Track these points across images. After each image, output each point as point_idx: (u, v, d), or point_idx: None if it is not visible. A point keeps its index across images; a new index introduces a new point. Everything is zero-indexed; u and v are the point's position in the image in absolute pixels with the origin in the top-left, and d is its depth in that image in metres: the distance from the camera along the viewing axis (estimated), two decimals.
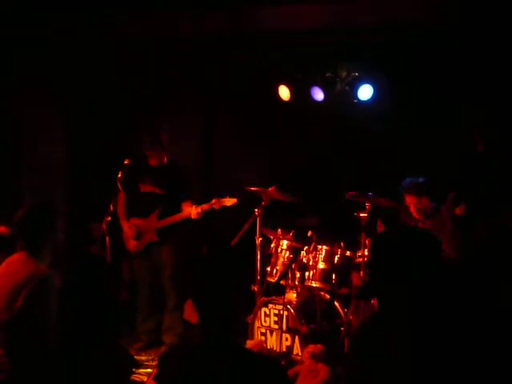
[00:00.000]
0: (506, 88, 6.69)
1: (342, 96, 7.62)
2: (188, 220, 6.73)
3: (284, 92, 7.78)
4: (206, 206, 6.59)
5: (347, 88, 7.57)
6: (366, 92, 7.43)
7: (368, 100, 7.44)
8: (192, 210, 6.61)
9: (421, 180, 6.33)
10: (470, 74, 6.87)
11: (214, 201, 6.57)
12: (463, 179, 6.46)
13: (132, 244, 6.88)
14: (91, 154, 8.05)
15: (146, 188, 6.84)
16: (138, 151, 6.84)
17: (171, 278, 6.85)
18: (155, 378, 3.15)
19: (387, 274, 2.69)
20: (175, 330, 6.86)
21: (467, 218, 5.59)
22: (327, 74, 7.64)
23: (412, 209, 6.32)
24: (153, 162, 6.86)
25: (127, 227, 6.87)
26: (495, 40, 6.68)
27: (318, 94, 7.66)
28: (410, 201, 6.31)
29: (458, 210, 6.06)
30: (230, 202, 6.54)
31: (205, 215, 6.66)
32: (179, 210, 6.77)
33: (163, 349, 6.63)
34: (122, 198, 6.83)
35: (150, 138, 6.80)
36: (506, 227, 5.51)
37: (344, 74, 7.60)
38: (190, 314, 7.22)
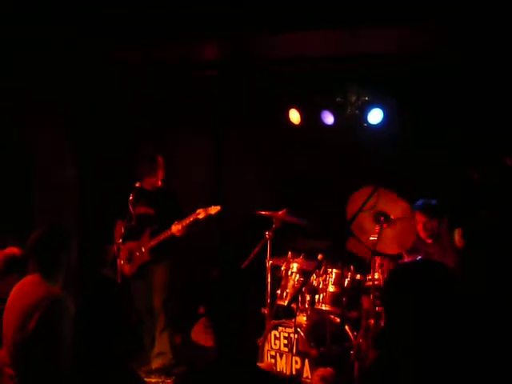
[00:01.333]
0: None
1: (352, 120, 7.66)
2: (178, 239, 6.77)
3: (295, 116, 7.83)
4: (187, 220, 6.63)
5: (357, 112, 7.61)
6: (375, 116, 7.47)
7: (378, 124, 7.48)
8: (173, 227, 6.66)
9: (434, 202, 6.44)
10: (474, 102, 6.91)
11: (198, 211, 6.61)
12: (463, 205, 6.54)
13: (126, 267, 6.92)
14: (104, 176, 8.10)
15: (139, 210, 6.84)
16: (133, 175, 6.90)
17: (162, 298, 6.89)
18: None
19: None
20: (165, 355, 6.87)
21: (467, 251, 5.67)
22: (337, 99, 7.69)
23: (420, 227, 6.39)
24: (147, 185, 6.92)
25: (122, 251, 6.86)
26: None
27: (329, 118, 7.71)
28: (420, 219, 6.39)
29: (458, 241, 6.16)
30: (214, 210, 6.58)
31: (191, 229, 6.69)
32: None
33: (173, 371, 6.66)
34: (119, 222, 6.82)
35: (146, 162, 6.87)
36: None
37: (354, 98, 7.64)
38: (199, 335, 7.24)
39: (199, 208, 6.62)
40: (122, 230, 6.33)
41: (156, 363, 6.91)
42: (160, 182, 7.01)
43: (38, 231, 4.26)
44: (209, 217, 6.61)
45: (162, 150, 7.17)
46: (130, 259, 6.91)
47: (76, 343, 3.61)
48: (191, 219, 6.63)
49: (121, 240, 6.26)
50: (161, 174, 7.00)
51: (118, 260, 6.18)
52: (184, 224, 6.64)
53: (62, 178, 8.14)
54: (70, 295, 4.04)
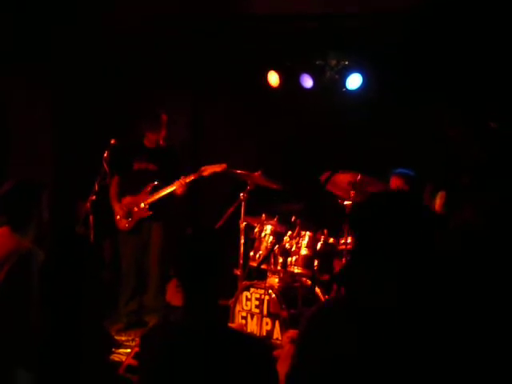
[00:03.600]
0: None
1: (331, 84, 7.63)
2: (176, 197, 6.75)
3: (273, 78, 7.79)
4: (191, 177, 6.64)
5: (336, 76, 7.58)
6: (355, 81, 7.45)
7: (357, 89, 7.46)
8: (176, 183, 6.65)
9: (413, 173, 6.44)
10: (454, 64, 6.90)
11: (203, 168, 6.62)
12: (445, 171, 6.56)
13: (123, 223, 6.88)
14: (79, 133, 8.02)
15: (141, 165, 6.86)
16: (133, 131, 6.86)
17: (158, 256, 6.87)
18: (135, 357, 3.16)
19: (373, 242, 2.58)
20: (159, 311, 6.88)
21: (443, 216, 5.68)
22: (317, 62, 7.65)
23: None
24: (149, 142, 6.89)
25: (118, 207, 6.88)
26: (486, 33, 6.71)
27: (307, 82, 7.67)
28: (396, 183, 6.39)
29: (438, 205, 6.18)
30: (219, 167, 6.60)
31: (191, 188, 6.74)
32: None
33: (144, 329, 6.65)
34: (115, 179, 6.86)
35: (150, 118, 6.84)
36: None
37: (334, 62, 7.61)
38: (173, 295, 7.25)
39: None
40: (96, 187, 6.29)
41: (150, 318, 6.91)
42: (162, 141, 6.97)
43: (8, 184, 4.20)
44: (213, 174, 6.61)
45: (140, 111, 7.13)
46: (128, 215, 6.87)
47: (45, 298, 3.60)
48: (195, 176, 6.63)
49: (94, 197, 6.21)
50: (164, 132, 6.97)
51: (91, 216, 6.15)
52: (188, 180, 6.64)
53: (37, 135, 8.03)
54: (39, 249, 4.00)
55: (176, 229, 6.92)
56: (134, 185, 6.88)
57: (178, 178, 6.72)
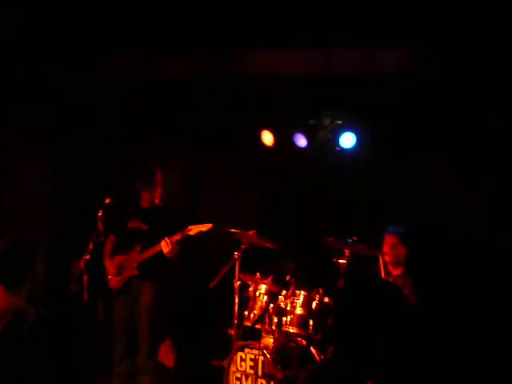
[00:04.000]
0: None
1: (324, 143, 7.68)
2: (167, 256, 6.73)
3: (267, 138, 7.83)
4: (177, 236, 6.59)
5: (330, 136, 7.64)
6: (348, 140, 7.50)
7: (350, 148, 7.51)
8: (162, 243, 6.60)
9: (406, 230, 6.46)
10: (449, 125, 6.97)
11: (189, 227, 6.58)
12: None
13: (114, 281, 6.85)
14: (74, 191, 8.05)
15: (133, 225, 6.86)
16: (127, 191, 6.87)
17: (148, 316, 6.80)
18: None
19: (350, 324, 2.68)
20: (151, 372, 6.79)
21: None
22: (310, 121, 7.72)
23: (388, 250, 6.40)
24: (144, 202, 6.91)
25: (109, 265, 6.86)
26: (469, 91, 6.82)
27: (301, 141, 7.72)
28: (389, 241, 6.42)
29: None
30: (205, 227, 6.53)
31: (184, 246, 6.70)
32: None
33: None
34: (110, 238, 6.88)
35: (143, 177, 6.86)
36: None
37: (327, 121, 7.67)
38: (164, 356, 7.16)
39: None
40: (91, 246, 6.28)
41: (143, 380, 6.79)
42: (157, 199, 6.97)
43: (2, 243, 4.19)
44: (200, 233, 6.56)
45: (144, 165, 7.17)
46: (119, 272, 6.84)
47: (38, 357, 3.57)
48: (181, 235, 6.58)
49: (88, 256, 6.19)
50: (159, 190, 6.96)
51: (85, 276, 6.11)
52: (173, 240, 6.57)
53: (32, 194, 8.05)
54: (32, 309, 3.97)
55: (168, 288, 6.88)
56: (125, 244, 6.86)
57: (167, 236, 6.68)
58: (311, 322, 6.08)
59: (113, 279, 6.85)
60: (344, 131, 7.51)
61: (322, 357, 6.07)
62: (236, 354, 6.18)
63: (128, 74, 7.61)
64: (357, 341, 2.64)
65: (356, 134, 7.46)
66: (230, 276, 6.46)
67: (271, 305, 6.19)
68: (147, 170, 6.98)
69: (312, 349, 6.16)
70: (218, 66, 7.44)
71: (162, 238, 6.64)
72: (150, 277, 6.85)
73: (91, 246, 6.26)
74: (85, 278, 6.11)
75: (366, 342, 2.64)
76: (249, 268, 6.57)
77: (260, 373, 5.97)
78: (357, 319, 2.66)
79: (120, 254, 6.87)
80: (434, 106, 6.95)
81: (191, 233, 6.59)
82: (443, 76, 6.88)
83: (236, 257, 6.45)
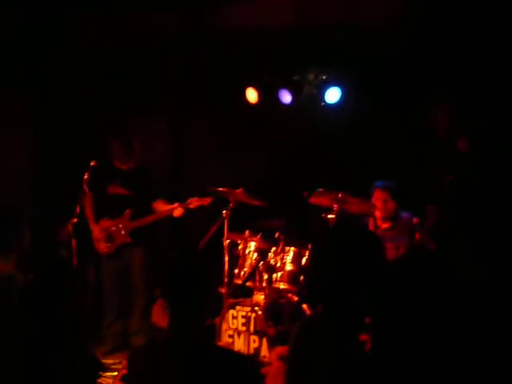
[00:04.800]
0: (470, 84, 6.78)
1: (309, 99, 7.65)
2: (159, 221, 6.76)
3: (252, 95, 7.78)
4: (181, 209, 6.69)
5: (315, 91, 7.60)
6: (333, 95, 7.46)
7: (336, 103, 7.47)
8: (177, 210, 6.69)
9: (393, 183, 6.47)
10: (436, 74, 6.93)
11: (189, 200, 6.66)
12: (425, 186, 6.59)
13: (103, 246, 6.83)
14: (58, 155, 7.99)
15: (114, 190, 6.83)
16: (104, 154, 6.81)
17: (141, 280, 6.83)
18: (122, 380, 3.12)
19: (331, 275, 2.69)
20: (145, 333, 6.82)
21: None
22: (295, 77, 7.67)
23: (379, 204, 6.40)
24: (120, 165, 6.86)
25: (97, 230, 6.81)
26: (458, 36, 6.77)
27: (286, 97, 7.68)
28: (380, 197, 6.42)
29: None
30: (206, 201, 6.63)
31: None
32: (150, 211, 6.80)
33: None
34: (89, 200, 6.79)
35: (122, 145, 6.80)
36: None
37: (312, 77, 7.63)
38: (158, 317, 7.18)
39: None
40: (78, 209, 6.26)
41: (137, 340, 6.83)
42: (134, 164, 6.93)
43: None
44: (199, 207, 6.67)
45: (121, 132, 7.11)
46: (108, 239, 6.81)
47: (26, 323, 3.56)
48: (183, 209, 6.69)
49: (76, 219, 6.17)
50: (136, 156, 6.93)
51: (73, 240, 6.09)
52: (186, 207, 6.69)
53: (16, 158, 7.99)
54: (21, 274, 3.96)
55: (159, 250, 6.89)
56: (110, 209, 6.83)
57: (152, 201, 6.83)
58: (302, 278, 6.10)
59: (102, 244, 6.83)
60: (329, 86, 7.47)
61: (313, 312, 6.10)
62: (227, 311, 6.21)
63: (106, 35, 7.50)
64: (340, 292, 2.65)
65: (341, 88, 7.43)
66: (219, 235, 6.46)
67: (261, 262, 6.21)
68: (125, 138, 6.90)
69: (303, 304, 6.19)
70: (200, 23, 7.34)
71: (147, 202, 6.79)
72: (141, 242, 6.87)
73: (78, 209, 6.24)
74: (73, 241, 6.10)
75: (349, 294, 2.65)
76: (237, 226, 6.56)
77: (252, 329, 6.00)
78: (339, 270, 2.67)
79: (106, 219, 6.84)
80: (420, 52, 6.89)
81: (191, 206, 6.67)
82: (428, 21, 6.81)
83: (224, 215, 6.44)
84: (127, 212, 6.78)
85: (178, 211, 6.71)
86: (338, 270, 2.69)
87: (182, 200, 6.80)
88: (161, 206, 6.85)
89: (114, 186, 6.84)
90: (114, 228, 6.81)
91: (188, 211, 6.73)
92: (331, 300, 2.70)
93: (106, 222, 6.83)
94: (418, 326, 2.57)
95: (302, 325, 2.97)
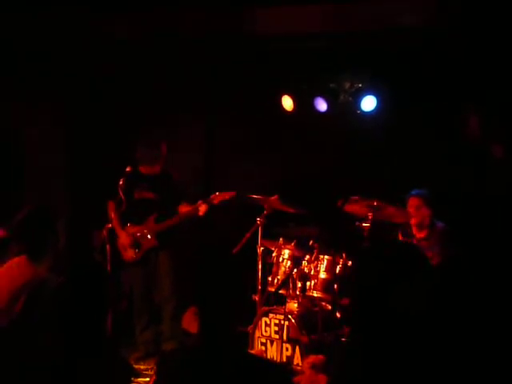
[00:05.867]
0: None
1: (345, 107, 7.62)
2: (185, 224, 6.79)
3: (287, 102, 7.77)
4: (206, 205, 6.70)
5: (351, 99, 7.57)
6: (369, 103, 7.43)
7: (372, 111, 7.44)
8: (200, 207, 6.69)
9: (428, 192, 6.42)
10: (471, 78, 6.86)
11: (212, 196, 6.69)
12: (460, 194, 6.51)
13: (130, 253, 6.83)
14: (93, 160, 8.04)
15: (140, 195, 6.84)
16: (131, 159, 6.85)
17: (169, 285, 6.83)
18: None
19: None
20: (177, 339, 6.81)
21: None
22: (331, 85, 7.65)
23: (412, 211, 6.35)
24: (146, 170, 6.87)
25: (124, 236, 6.82)
26: (493, 41, 6.69)
27: (322, 105, 7.65)
28: (414, 204, 6.36)
29: None
30: (228, 195, 6.66)
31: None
32: (175, 214, 6.84)
33: None
34: (112, 206, 6.73)
35: (150, 151, 6.82)
36: None
37: (347, 85, 7.60)
38: (189, 323, 7.18)
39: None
40: (113, 215, 6.29)
41: (169, 346, 6.81)
42: (160, 169, 6.96)
43: (23, 212, 4.19)
44: (223, 202, 6.69)
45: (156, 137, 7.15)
46: (135, 245, 6.83)
47: (62, 327, 3.56)
48: (207, 205, 6.70)
49: (110, 225, 6.19)
50: (162, 162, 6.96)
51: (108, 245, 6.11)
52: (208, 204, 6.70)
53: (52, 161, 8.06)
54: (56, 278, 3.97)
55: (185, 256, 6.90)
56: (135, 214, 6.84)
57: (177, 205, 6.85)
58: (336, 286, 6.06)
59: (129, 251, 6.83)
60: (365, 94, 7.43)
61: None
62: (260, 319, 6.19)
63: (139, 37, 7.53)
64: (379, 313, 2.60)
65: (377, 96, 7.39)
66: (253, 242, 6.44)
67: (295, 270, 6.18)
68: (154, 142, 6.93)
69: (337, 313, 6.15)
70: (233, 26, 7.34)
71: (172, 206, 6.82)
72: (168, 246, 6.88)
73: (113, 214, 6.26)
74: (107, 246, 6.11)
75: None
76: (272, 233, 6.55)
77: (285, 337, 5.97)
78: (380, 287, 2.62)
79: (132, 225, 6.85)
80: (455, 62, 6.83)
81: (215, 202, 6.67)
82: (465, 31, 6.75)
83: (259, 222, 6.43)
84: (153, 216, 6.80)
85: (202, 208, 6.70)
86: (382, 280, 2.64)
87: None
88: (183, 209, 6.88)
89: (141, 190, 6.86)
90: (139, 233, 6.83)
91: (215, 209, 6.72)
92: (374, 308, 2.65)
93: (131, 228, 6.85)
94: (460, 330, 2.53)
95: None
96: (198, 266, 6.56)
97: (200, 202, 6.73)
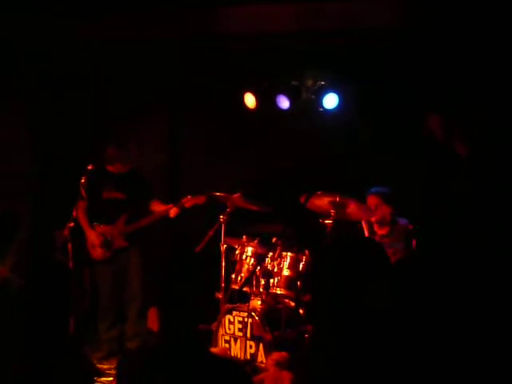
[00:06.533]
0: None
1: (307, 104, 7.63)
2: (156, 223, 6.78)
3: (250, 100, 7.77)
4: (177, 208, 6.71)
5: (313, 96, 7.59)
6: (331, 101, 7.45)
7: (333, 109, 7.46)
8: (171, 210, 6.71)
9: (388, 189, 6.46)
10: (435, 80, 6.93)
11: (184, 200, 6.67)
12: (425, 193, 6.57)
13: (99, 252, 6.79)
14: (55, 159, 7.96)
15: (109, 194, 6.80)
16: (97, 158, 6.79)
17: (138, 283, 6.80)
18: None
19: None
20: (141, 337, 6.79)
21: None
22: (293, 83, 7.66)
23: (372, 209, 6.40)
24: (113, 169, 6.83)
25: (94, 235, 6.77)
26: (460, 44, 6.77)
27: (284, 102, 7.66)
28: (373, 202, 6.42)
29: None
30: (200, 199, 6.65)
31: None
32: (146, 213, 6.80)
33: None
34: (82, 205, 6.72)
35: (118, 150, 6.78)
36: None
37: (310, 82, 7.62)
38: (153, 321, 7.16)
39: None
40: (75, 214, 6.24)
41: (132, 345, 6.81)
42: (128, 168, 6.92)
43: None
44: (194, 206, 6.70)
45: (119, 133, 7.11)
46: (105, 245, 6.78)
47: (22, 327, 3.53)
48: (178, 208, 6.71)
49: (72, 224, 6.13)
50: (132, 160, 6.93)
51: (69, 244, 6.06)
52: (181, 207, 6.71)
53: (13, 162, 7.96)
54: (17, 277, 3.93)
55: (154, 254, 6.87)
56: (105, 213, 6.82)
57: (148, 203, 6.86)
58: (299, 284, 6.08)
59: (98, 250, 6.79)
60: (327, 92, 7.46)
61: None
62: (224, 317, 6.19)
63: (105, 37, 7.47)
64: (341, 302, 2.62)
65: (339, 94, 7.42)
66: (217, 239, 6.44)
67: (258, 267, 6.18)
68: (122, 142, 6.90)
69: (300, 310, 6.17)
70: (199, 26, 7.32)
71: (142, 205, 6.82)
72: (138, 244, 6.86)
73: (75, 213, 6.21)
74: (69, 245, 6.06)
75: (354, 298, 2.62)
76: (234, 231, 6.55)
77: (249, 335, 5.97)
78: (340, 279, 2.64)
79: (101, 225, 6.81)
80: (416, 60, 6.89)
81: (186, 205, 6.69)
82: (427, 30, 6.81)
83: (222, 220, 6.42)
84: (123, 216, 6.76)
85: (173, 211, 6.72)
86: (342, 276, 2.66)
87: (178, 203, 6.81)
88: (157, 207, 6.86)
89: (109, 190, 6.82)
90: (110, 233, 6.79)
91: (184, 211, 6.72)
92: (335, 304, 2.66)
93: (101, 228, 6.81)
94: (422, 324, 2.56)
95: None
96: (162, 263, 6.52)
97: (171, 205, 6.74)
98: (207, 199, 6.62)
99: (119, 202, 6.82)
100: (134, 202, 6.84)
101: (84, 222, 6.78)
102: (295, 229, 6.32)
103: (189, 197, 6.69)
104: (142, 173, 7.04)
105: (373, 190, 6.52)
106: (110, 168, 6.85)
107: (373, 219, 6.51)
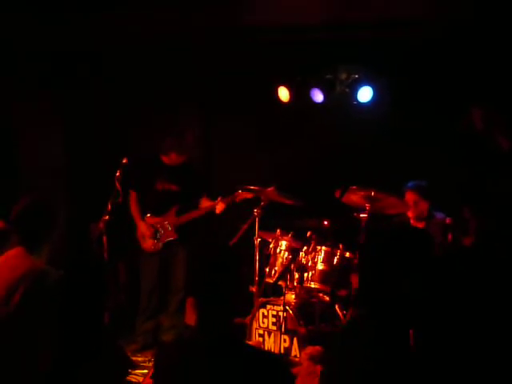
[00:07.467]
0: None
1: (341, 98, 7.60)
2: (206, 217, 6.87)
3: (283, 93, 7.75)
4: (229, 199, 6.73)
5: (347, 90, 7.55)
6: (365, 94, 7.41)
7: (368, 102, 7.42)
8: (217, 205, 6.74)
9: (425, 183, 6.41)
10: (470, 73, 6.85)
11: (236, 193, 6.69)
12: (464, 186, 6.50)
13: (150, 243, 6.84)
14: (90, 153, 8.02)
15: (163, 185, 6.86)
16: (151, 148, 6.84)
17: (183, 277, 6.86)
18: (152, 378, 3.11)
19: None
20: (176, 330, 6.82)
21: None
22: (327, 76, 7.63)
23: (410, 205, 6.37)
24: (168, 160, 6.86)
25: (145, 227, 6.83)
26: (498, 38, 6.67)
27: (318, 96, 7.64)
28: (411, 198, 6.38)
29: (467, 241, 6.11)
30: (250, 195, 6.65)
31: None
32: (195, 208, 6.87)
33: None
34: (134, 197, 6.85)
35: (180, 140, 6.82)
36: None
37: (344, 76, 7.59)
38: (191, 316, 7.19)
39: None
40: (109, 207, 6.27)
41: (167, 337, 6.86)
42: (183, 160, 6.95)
43: (21, 203, 4.16)
44: (244, 200, 6.74)
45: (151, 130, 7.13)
46: (155, 236, 6.83)
47: (61, 319, 3.55)
48: (230, 199, 6.74)
49: (107, 217, 6.17)
50: (188, 152, 6.98)
51: (105, 237, 6.10)
52: (228, 202, 6.74)
53: (49, 156, 8.03)
54: (54, 270, 3.95)
55: (196, 249, 6.91)
56: (156, 205, 6.88)
57: (199, 198, 6.92)
58: (333, 278, 6.06)
59: (148, 241, 6.84)
60: (361, 85, 7.42)
61: (344, 312, 6.05)
62: (258, 310, 6.19)
63: (134, 34, 7.50)
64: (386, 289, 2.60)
65: (373, 87, 7.38)
66: (251, 233, 6.44)
67: (292, 261, 6.17)
68: (180, 130, 6.96)
69: (335, 304, 6.15)
70: (234, 19, 7.30)
71: (195, 198, 6.89)
72: (186, 239, 6.91)
73: (110, 206, 6.24)
74: (104, 238, 6.10)
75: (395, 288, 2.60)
76: (269, 224, 6.54)
77: (283, 329, 5.96)
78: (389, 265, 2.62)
79: (153, 216, 6.86)
80: (454, 54, 6.81)
81: (237, 200, 6.73)
82: (465, 25, 6.73)
83: (256, 213, 6.42)
84: (174, 208, 6.80)
85: (220, 206, 6.74)
86: (387, 268, 2.64)
87: (212, 198, 6.82)
88: (204, 203, 6.91)
89: (163, 181, 6.87)
90: (160, 224, 6.83)
91: (230, 207, 6.76)
92: (379, 297, 2.65)
93: (152, 219, 6.85)
94: (464, 318, 2.53)
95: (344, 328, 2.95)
96: (199, 258, 6.55)
97: (219, 198, 6.77)
98: (253, 194, 6.61)
99: (172, 194, 6.88)
100: (187, 194, 6.89)
101: (135, 213, 6.87)
102: (330, 222, 6.29)
103: (239, 191, 6.69)
104: (197, 166, 7.07)
105: (410, 184, 6.47)
106: (165, 159, 6.89)
107: (410, 214, 6.46)
